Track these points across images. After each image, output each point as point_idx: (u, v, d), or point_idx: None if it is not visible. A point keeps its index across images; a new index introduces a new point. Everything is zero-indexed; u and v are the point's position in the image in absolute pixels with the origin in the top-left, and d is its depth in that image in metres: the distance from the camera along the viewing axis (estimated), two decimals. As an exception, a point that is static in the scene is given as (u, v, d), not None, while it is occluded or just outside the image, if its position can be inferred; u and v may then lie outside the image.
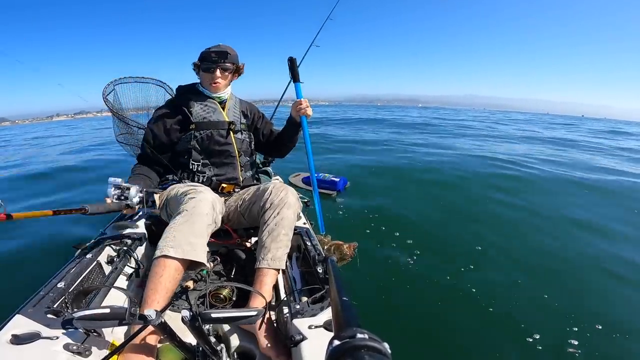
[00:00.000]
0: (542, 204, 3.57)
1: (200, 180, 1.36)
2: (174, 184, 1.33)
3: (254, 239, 1.46)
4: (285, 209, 1.16)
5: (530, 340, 1.54)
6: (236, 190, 1.42)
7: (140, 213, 1.37)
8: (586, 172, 5.25)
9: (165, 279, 0.93)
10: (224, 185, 1.39)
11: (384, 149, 7.19)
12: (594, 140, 11.55)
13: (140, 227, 1.31)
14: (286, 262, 1.14)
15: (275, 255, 1.08)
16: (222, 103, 1.44)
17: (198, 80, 1.45)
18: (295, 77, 1.53)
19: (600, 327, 1.64)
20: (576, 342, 1.54)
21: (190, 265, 1.00)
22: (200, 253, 1.00)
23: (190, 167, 1.37)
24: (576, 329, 1.62)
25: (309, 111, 1.47)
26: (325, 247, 1.50)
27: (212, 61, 1.34)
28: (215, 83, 1.37)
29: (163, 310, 0.86)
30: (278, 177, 2.21)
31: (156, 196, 1.30)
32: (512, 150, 7.52)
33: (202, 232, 1.03)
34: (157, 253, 0.96)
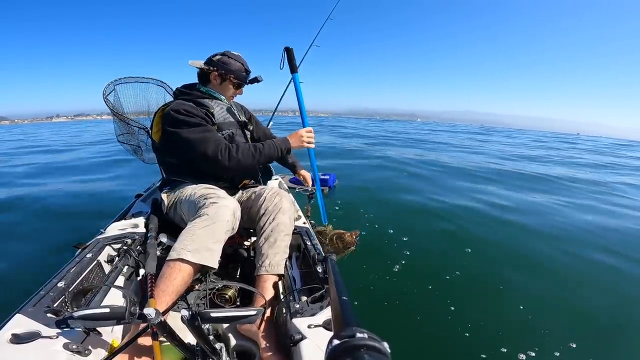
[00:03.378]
0: None
1: (225, 179, 1.34)
2: (180, 185, 1.30)
3: (253, 238, 1.46)
4: (280, 214, 1.17)
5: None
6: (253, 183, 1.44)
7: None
8: None
9: (179, 282, 0.93)
10: (245, 182, 1.40)
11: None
12: None
13: (140, 226, 1.30)
14: (286, 261, 1.14)
15: (272, 261, 1.09)
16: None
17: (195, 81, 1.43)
18: (293, 68, 1.47)
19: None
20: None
21: (201, 268, 1.00)
22: (216, 259, 1.00)
23: None
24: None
25: (313, 145, 1.36)
26: (329, 236, 1.50)
27: (244, 80, 1.39)
28: (234, 96, 1.44)
29: (166, 311, 0.86)
30: (278, 176, 2.21)
31: (164, 196, 1.30)
32: None
33: (221, 238, 1.03)
34: (173, 255, 0.96)
